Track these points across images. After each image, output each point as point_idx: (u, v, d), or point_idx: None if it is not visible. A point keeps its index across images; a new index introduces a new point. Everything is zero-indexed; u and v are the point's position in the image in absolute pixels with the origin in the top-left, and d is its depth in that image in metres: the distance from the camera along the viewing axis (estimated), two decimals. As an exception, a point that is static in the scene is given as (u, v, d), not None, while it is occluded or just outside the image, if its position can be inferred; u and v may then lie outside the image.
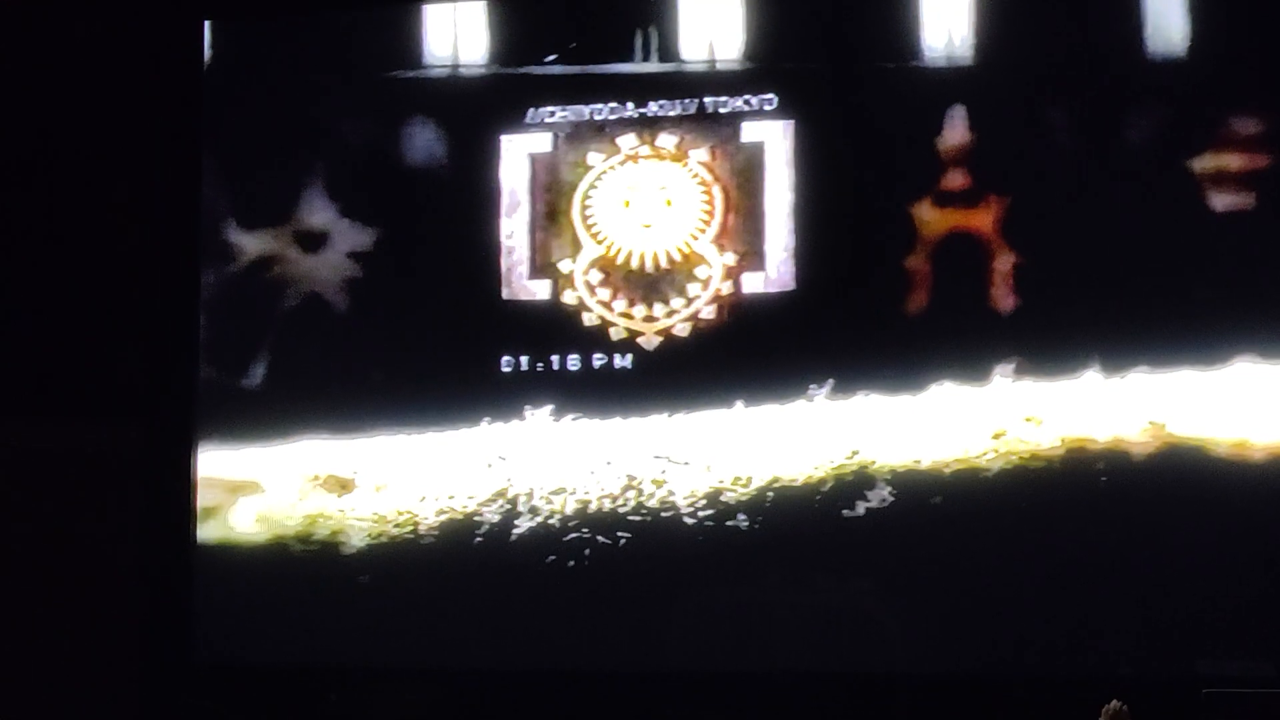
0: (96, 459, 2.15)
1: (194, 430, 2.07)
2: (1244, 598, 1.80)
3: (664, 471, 1.94)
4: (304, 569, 2.03)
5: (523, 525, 1.97)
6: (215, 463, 2.06)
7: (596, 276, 1.98)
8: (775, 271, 1.94)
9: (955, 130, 1.89)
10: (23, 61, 2.21)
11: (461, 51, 2.04)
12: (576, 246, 1.99)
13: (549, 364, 1.98)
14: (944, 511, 1.87)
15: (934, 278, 1.89)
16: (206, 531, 2.06)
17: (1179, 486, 1.82)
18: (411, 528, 2.00)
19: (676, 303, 1.96)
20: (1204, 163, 1.84)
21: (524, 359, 1.99)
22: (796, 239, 1.93)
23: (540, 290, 2.00)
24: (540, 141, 2.01)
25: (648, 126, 1.98)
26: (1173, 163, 1.84)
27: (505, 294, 2.00)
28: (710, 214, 1.96)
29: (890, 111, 1.91)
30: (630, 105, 1.99)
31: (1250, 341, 1.80)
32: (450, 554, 1.98)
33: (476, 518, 1.98)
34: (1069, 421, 1.85)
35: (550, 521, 1.96)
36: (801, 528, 1.90)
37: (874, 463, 1.89)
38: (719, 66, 1.96)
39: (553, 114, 2.00)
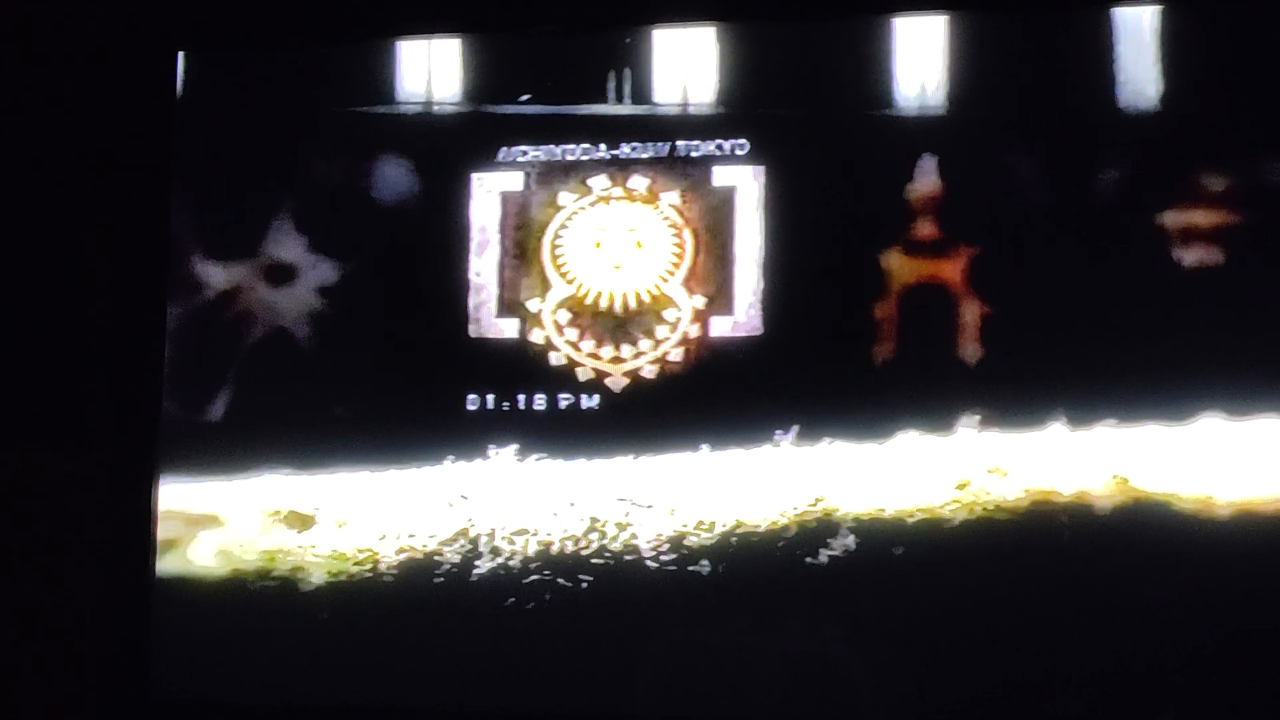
0: (56, 490, 2.14)
1: (156, 462, 2.05)
2: (1205, 654, 1.80)
3: (627, 514, 1.94)
4: (263, 605, 2.01)
5: (483, 566, 1.96)
6: (176, 495, 2.05)
7: (565, 316, 1.98)
8: (744, 316, 1.94)
9: (926, 180, 1.90)
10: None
11: (435, 88, 2.04)
12: (545, 286, 1.99)
13: (515, 403, 1.98)
14: (907, 560, 1.86)
15: (901, 326, 1.89)
16: (165, 565, 2.04)
17: (1142, 541, 1.82)
18: (371, 565, 1.99)
19: (644, 344, 1.96)
20: (1174, 218, 1.84)
21: (490, 397, 1.98)
22: (765, 284, 1.93)
23: (508, 329, 1.99)
24: (511, 180, 2.00)
25: (620, 168, 1.98)
26: (1142, 217, 1.85)
27: (472, 332, 1.99)
28: (680, 257, 1.96)
29: (861, 159, 1.92)
30: (603, 146, 1.99)
31: (1216, 398, 1.80)
32: (410, 593, 1.97)
33: (437, 557, 1.97)
34: (1033, 474, 1.85)
35: (511, 562, 1.95)
36: (764, 574, 1.90)
37: (838, 510, 1.89)
38: (691, 110, 1.97)
39: (525, 153, 2.00)
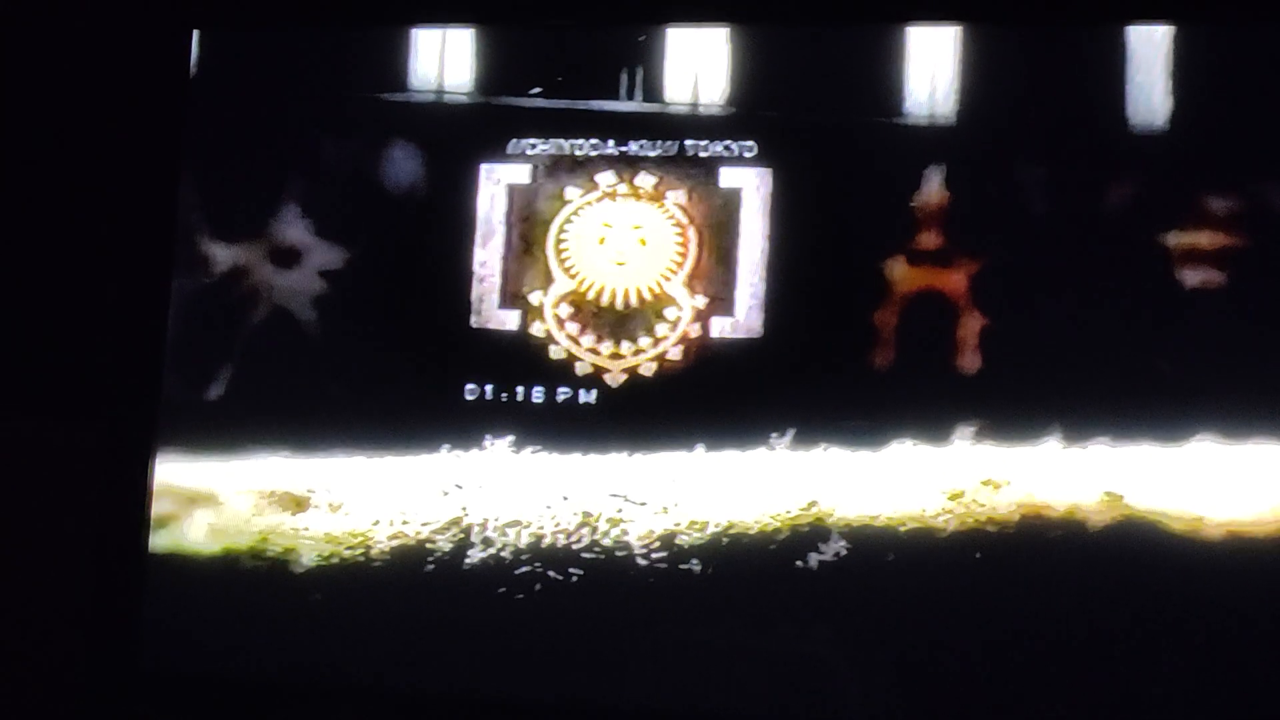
0: (53, 459, 2.15)
1: (154, 437, 2.06)
2: (1190, 673, 1.80)
3: (620, 510, 1.94)
4: (254, 584, 2.02)
5: (475, 555, 1.97)
6: (172, 472, 2.05)
7: (566, 310, 1.98)
8: (744, 317, 1.94)
9: (932, 190, 1.90)
10: (5, 59, 2.22)
11: (447, 77, 2.04)
12: (548, 279, 1.99)
13: (513, 395, 1.98)
14: (897, 568, 1.87)
15: (901, 335, 1.89)
16: (159, 540, 2.05)
17: (1133, 559, 1.82)
18: (363, 550, 2.00)
19: (644, 342, 1.96)
20: (1178, 239, 1.85)
21: (488, 388, 1.99)
22: (767, 287, 1.93)
23: (509, 320, 2.00)
24: (519, 172, 2.01)
25: (627, 165, 1.99)
26: (1146, 237, 1.85)
27: (474, 322, 2.00)
28: (684, 256, 1.97)
29: (868, 167, 1.92)
30: (611, 143, 1.99)
31: (1211, 420, 1.81)
32: (400, 579, 1.98)
33: (429, 545, 1.98)
34: (1027, 487, 1.85)
35: (503, 553, 1.96)
36: (753, 575, 1.90)
37: (830, 515, 1.89)
38: (701, 111, 1.97)
39: (534, 146, 2.01)
